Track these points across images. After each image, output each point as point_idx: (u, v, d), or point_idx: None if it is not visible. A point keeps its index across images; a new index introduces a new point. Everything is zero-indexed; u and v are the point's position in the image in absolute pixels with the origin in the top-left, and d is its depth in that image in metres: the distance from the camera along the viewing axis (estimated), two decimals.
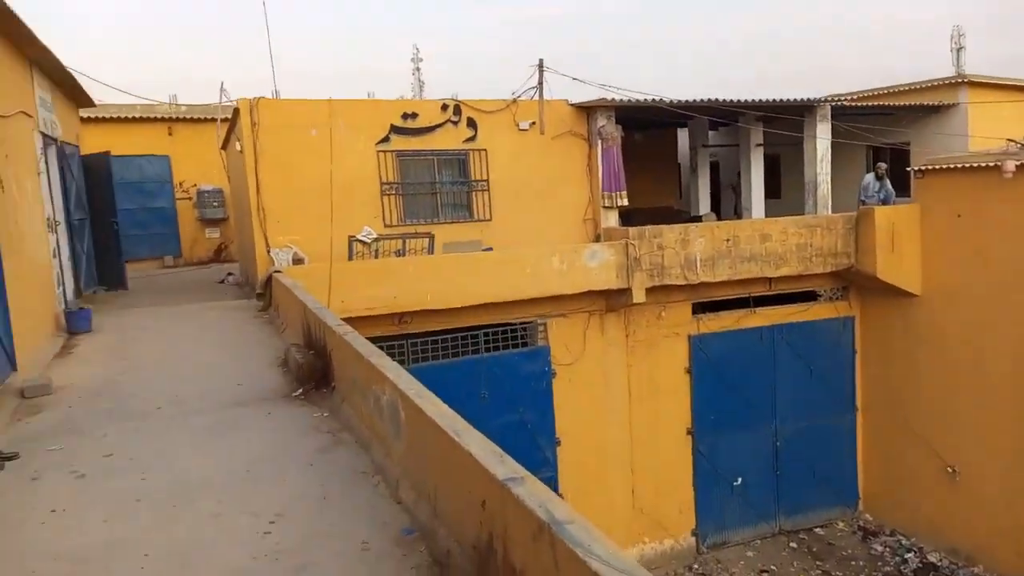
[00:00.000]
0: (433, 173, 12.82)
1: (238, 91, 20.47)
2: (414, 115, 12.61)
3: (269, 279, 10.61)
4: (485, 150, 12.97)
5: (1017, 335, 11.64)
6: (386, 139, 12.37)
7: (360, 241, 11.74)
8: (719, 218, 17.19)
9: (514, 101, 13.17)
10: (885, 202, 13.80)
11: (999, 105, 15.47)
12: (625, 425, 13.01)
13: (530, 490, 2.77)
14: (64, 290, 10.73)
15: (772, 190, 16.94)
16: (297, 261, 11.40)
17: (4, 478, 4.76)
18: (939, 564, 12.76)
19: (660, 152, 18.49)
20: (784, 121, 14.98)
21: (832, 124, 14.59)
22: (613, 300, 12.48)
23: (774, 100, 13.92)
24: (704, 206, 17.40)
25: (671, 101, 13.43)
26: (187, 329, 9.84)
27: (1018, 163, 11.36)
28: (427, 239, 12.17)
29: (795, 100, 14.13)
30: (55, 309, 9.79)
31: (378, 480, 4.43)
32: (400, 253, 11.92)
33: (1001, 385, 11.90)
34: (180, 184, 18.72)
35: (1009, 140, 12.81)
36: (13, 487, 4.62)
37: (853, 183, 15.38)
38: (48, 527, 4.04)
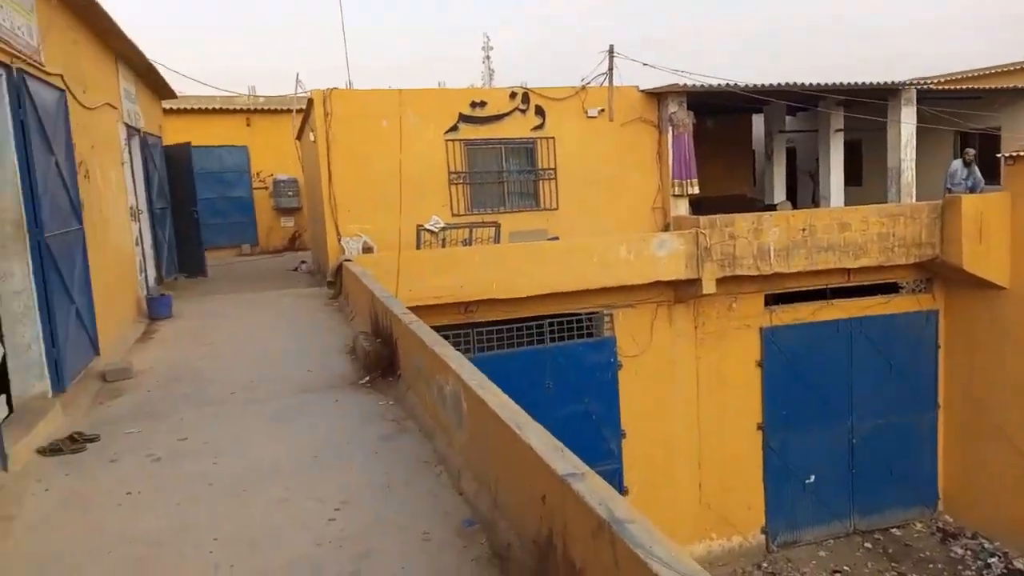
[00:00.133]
0: (500, 162, 12.81)
1: (314, 81, 20.90)
2: (483, 103, 12.61)
3: (339, 267, 10.82)
4: (553, 138, 12.87)
5: None
6: (454, 128, 12.42)
7: (428, 230, 11.83)
8: (795, 206, 16.64)
9: (583, 88, 13.02)
10: (973, 190, 13.08)
11: None
12: (693, 418, 12.78)
13: (590, 486, 2.72)
14: (146, 277, 11.18)
15: (852, 177, 16.29)
16: (367, 250, 11.59)
17: (85, 460, 4.99)
18: None
19: (734, 138, 17.99)
20: (866, 105, 14.35)
21: (917, 108, 13.92)
22: (682, 291, 12.24)
23: (856, 83, 13.36)
24: (779, 194, 16.88)
25: (746, 86, 13.05)
26: (261, 316, 10.12)
27: None
28: (493, 228, 12.18)
29: (878, 83, 13.53)
30: (137, 295, 10.20)
31: (440, 470, 4.45)
32: (467, 242, 11.97)
33: None
34: (257, 174, 19.26)
35: None
36: (93, 469, 4.83)
37: (939, 170, 14.64)
38: (124, 509, 4.20)
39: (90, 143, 8.07)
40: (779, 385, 12.92)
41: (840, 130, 15.13)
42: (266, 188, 19.30)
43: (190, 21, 63.29)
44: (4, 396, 5.21)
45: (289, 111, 17.35)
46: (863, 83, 13.37)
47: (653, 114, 13.33)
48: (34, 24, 6.21)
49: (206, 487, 4.47)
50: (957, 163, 13.51)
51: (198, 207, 14.23)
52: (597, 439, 11.87)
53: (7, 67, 5.42)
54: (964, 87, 15.39)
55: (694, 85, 12.78)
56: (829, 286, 12.97)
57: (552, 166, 12.92)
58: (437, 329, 5.88)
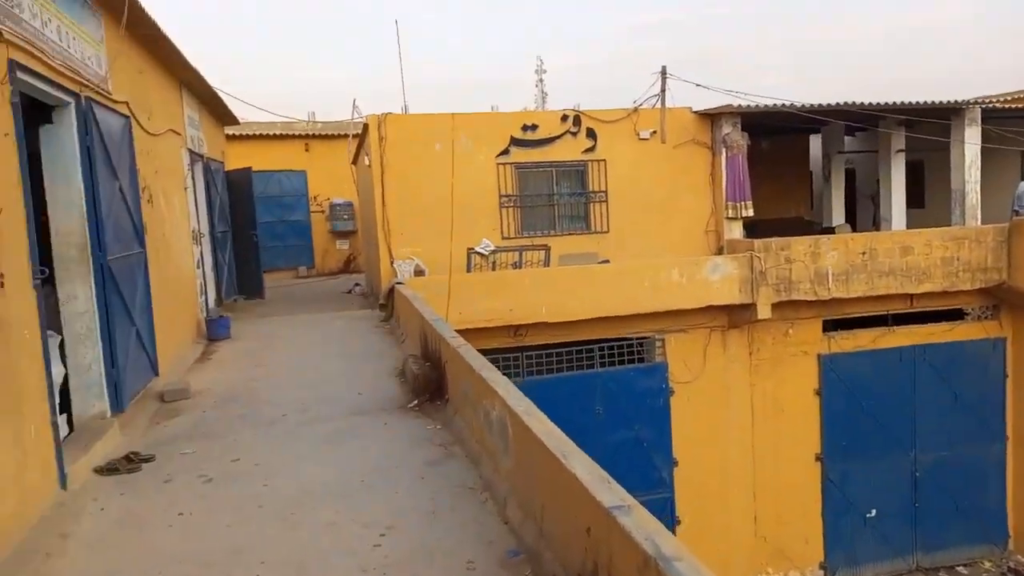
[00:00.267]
0: (551, 184, 12.83)
1: (371, 106, 21.36)
2: (534, 127, 12.67)
3: (391, 290, 10.94)
4: (604, 160, 12.84)
5: None
6: (506, 151, 12.49)
7: (478, 253, 11.88)
8: (854, 229, 16.21)
9: (635, 110, 12.98)
10: None
11: None
12: (747, 447, 12.45)
13: (637, 520, 2.64)
14: (207, 299, 11.48)
15: (915, 199, 15.81)
16: (418, 273, 11.69)
17: (140, 480, 5.09)
18: None
19: (790, 159, 17.67)
20: (928, 125, 13.95)
21: (982, 128, 13.45)
22: (736, 315, 12.00)
23: (918, 102, 13.00)
24: (838, 216, 16.47)
25: (802, 105, 12.82)
26: (315, 337, 10.28)
27: None
28: (543, 251, 12.17)
29: (941, 102, 13.13)
30: (198, 317, 10.48)
31: (486, 497, 4.41)
32: (517, 265, 11.98)
33: None
34: (315, 198, 19.69)
35: None
36: (147, 489, 4.93)
37: (1005, 192, 14.09)
38: (175, 530, 4.27)
39: (154, 168, 8.36)
40: (838, 414, 12.51)
41: (902, 150, 14.73)
42: (323, 212, 19.69)
43: (253, 49, 65.46)
44: (65, 416, 5.38)
45: (346, 136, 17.73)
46: (925, 102, 13.00)
47: (706, 135, 13.19)
48: (103, 54, 6.48)
49: (256, 509, 4.52)
50: None
51: (257, 230, 14.61)
52: (648, 467, 11.65)
53: (76, 95, 5.66)
54: None
55: (748, 105, 12.61)
56: (890, 312, 12.55)
57: (603, 188, 12.87)
58: (487, 352, 5.88)
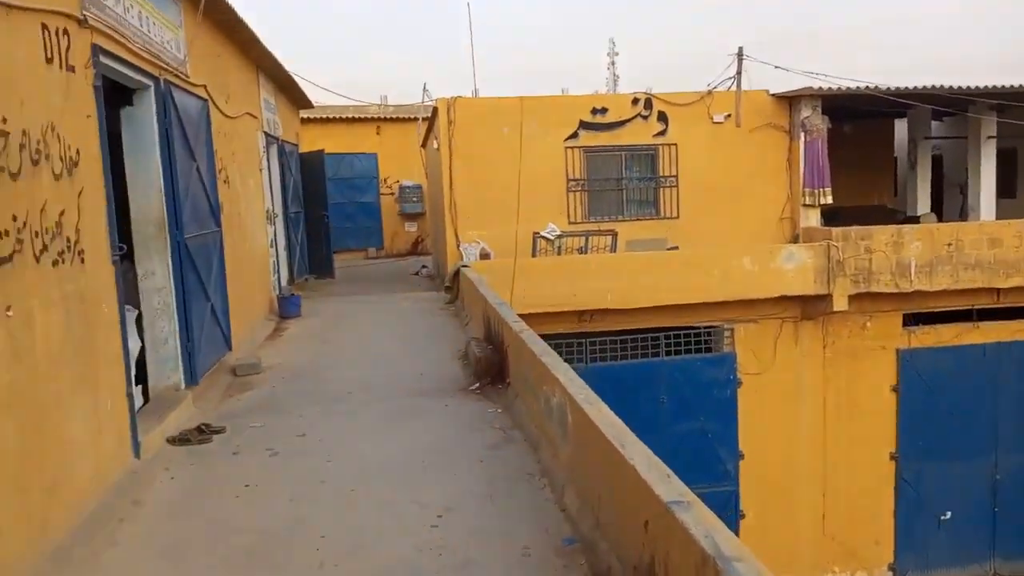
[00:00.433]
0: (620, 169, 12.65)
1: (442, 89, 21.49)
2: (603, 110, 12.50)
3: (457, 273, 11.00)
4: (675, 144, 12.58)
5: None
6: (574, 135, 12.37)
7: (544, 238, 11.82)
8: (940, 219, 15.45)
9: (709, 93, 12.66)
10: None
11: None
12: (818, 443, 12.08)
13: (696, 517, 2.57)
14: (279, 277, 11.78)
15: (1006, 189, 14.95)
16: (484, 256, 11.72)
17: (210, 451, 5.27)
18: None
19: (873, 145, 16.91)
20: (1022, 110, 13.14)
21: None
22: (810, 307, 11.62)
23: (1011, 86, 12.25)
24: (923, 205, 15.71)
25: (887, 88, 12.26)
26: (381, 318, 10.44)
27: None
28: (610, 236, 12.02)
29: None
30: (270, 295, 10.77)
31: (544, 483, 4.39)
32: (583, 250, 11.88)
33: None
34: (385, 180, 19.95)
35: None
36: (217, 460, 5.10)
37: None
38: (241, 501, 4.40)
39: (231, 150, 8.58)
40: (916, 412, 12.01)
41: (992, 137, 13.93)
42: (392, 194, 19.95)
43: (328, 33, 66.63)
44: (141, 387, 5.60)
45: (416, 119, 17.87)
46: (1018, 85, 12.24)
47: (784, 119, 12.76)
48: (181, 38, 6.66)
49: (318, 484, 4.62)
50: None
51: (329, 211, 14.89)
52: (713, 459, 11.44)
53: (155, 78, 5.84)
54: None
55: (830, 88, 12.14)
56: (976, 307, 11.94)
57: (674, 173, 12.62)
58: (550, 337, 5.85)
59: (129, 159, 5.84)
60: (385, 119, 19.93)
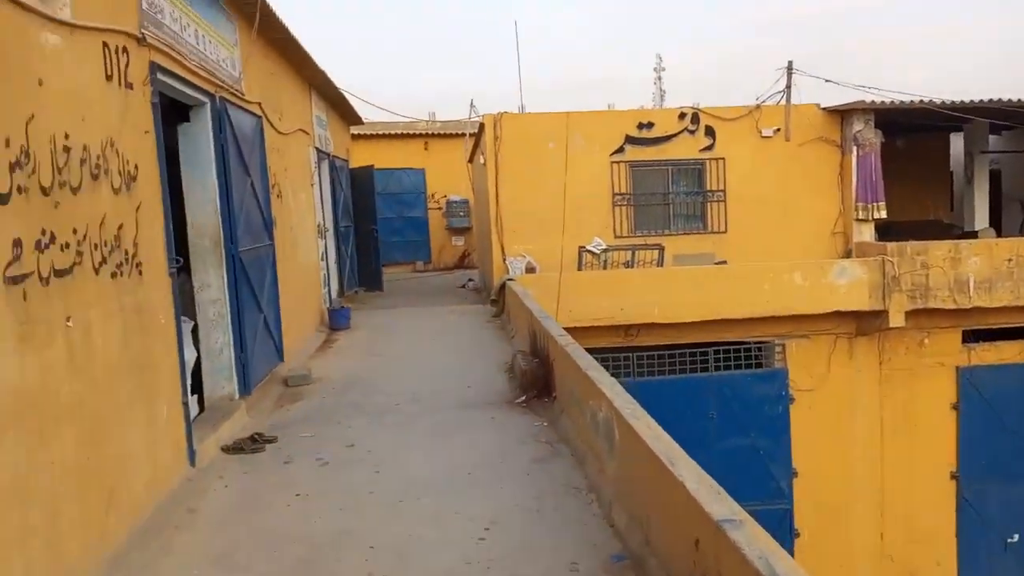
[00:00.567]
0: (667, 183, 12.57)
1: (489, 104, 21.67)
2: (650, 124, 12.45)
3: (503, 286, 11.03)
4: (723, 159, 12.45)
5: None
6: (620, 149, 12.34)
7: (590, 252, 11.78)
8: (999, 235, 14.94)
9: (757, 107, 12.51)
10: None
11: None
12: (875, 462, 11.73)
13: (749, 536, 2.51)
14: (329, 290, 11.97)
15: None
16: (530, 270, 11.73)
17: (262, 460, 5.35)
18: None
19: (928, 159, 16.46)
20: None
21: None
22: (865, 323, 11.33)
23: None
24: (981, 220, 15.20)
25: (942, 102, 11.94)
26: (429, 330, 10.51)
27: None
28: (657, 251, 11.93)
29: None
30: (321, 307, 10.94)
31: (591, 498, 4.34)
32: (629, 264, 11.80)
33: None
34: (432, 195, 20.17)
35: None
36: (268, 469, 5.18)
37: None
38: (292, 510, 4.45)
39: (283, 165, 8.77)
40: (978, 431, 11.58)
41: None
42: (440, 208, 20.14)
43: (378, 51, 67.80)
44: (196, 396, 5.72)
45: (463, 135, 18.04)
46: None
47: (835, 133, 12.53)
48: (236, 56, 6.85)
49: (367, 495, 4.65)
50: None
51: (378, 226, 15.11)
52: (765, 476, 11.18)
53: (211, 95, 6.01)
54: None
55: (883, 102, 11.88)
56: None
57: (721, 187, 12.48)
58: (596, 351, 5.81)
59: (186, 174, 6.01)
60: (433, 135, 20.18)
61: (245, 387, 6.38)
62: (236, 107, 6.65)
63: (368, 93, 24.45)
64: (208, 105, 5.99)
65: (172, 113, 5.77)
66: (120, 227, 4.12)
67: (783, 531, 10.85)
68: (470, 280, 16.10)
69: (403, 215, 19.88)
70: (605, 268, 11.72)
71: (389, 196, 19.14)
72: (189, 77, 5.49)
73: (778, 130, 12.46)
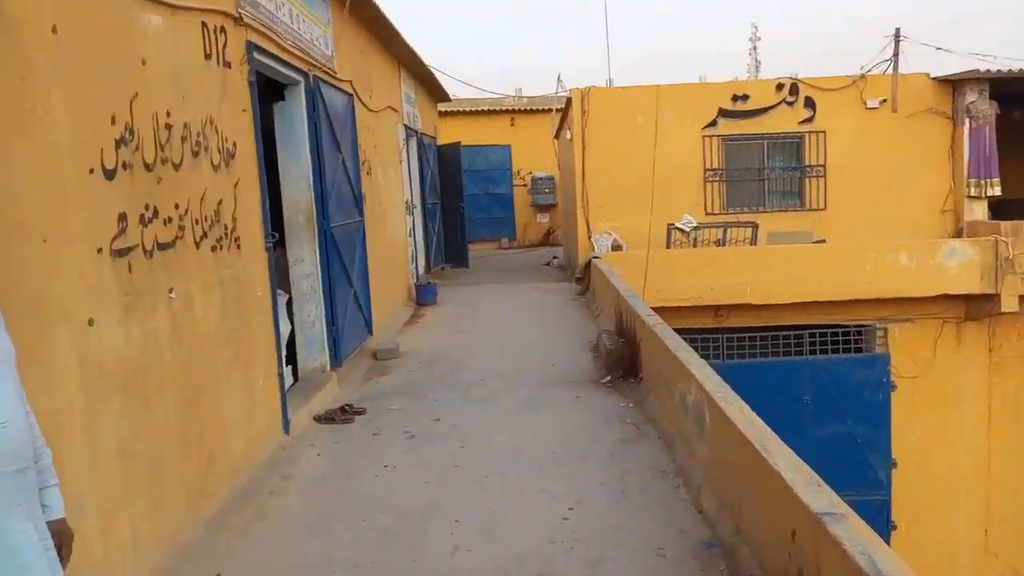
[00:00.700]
0: (762, 158, 12.10)
1: (576, 79, 21.42)
2: (745, 97, 11.98)
3: (588, 264, 10.91)
4: (823, 132, 11.87)
5: None
6: (713, 123, 11.94)
7: (679, 229, 11.49)
8: None
9: (862, 77, 11.85)
10: None
11: None
12: (981, 453, 11.08)
13: (851, 530, 2.38)
14: (416, 266, 12.14)
15: None
16: (616, 247, 11.56)
17: (352, 430, 5.49)
18: None
19: None
20: None
21: None
22: (975, 307, 10.65)
23: None
24: None
25: None
26: (513, 307, 10.54)
27: None
28: (751, 229, 11.52)
29: None
30: (408, 282, 11.12)
31: (679, 483, 4.24)
32: (720, 243, 11.45)
33: None
34: (518, 172, 20.13)
35: None
36: (358, 440, 5.30)
37: None
38: (380, 481, 4.54)
39: (373, 143, 8.89)
40: None
41: None
42: (525, 185, 20.09)
43: (465, 27, 67.93)
44: (291, 367, 5.90)
45: (550, 110, 17.88)
46: None
47: (946, 104, 11.74)
48: (329, 35, 6.95)
49: (452, 469, 4.69)
50: None
51: (464, 202, 15.20)
52: (862, 466, 10.72)
53: (305, 74, 6.11)
54: None
55: (999, 71, 11.04)
56: None
57: (821, 162, 11.91)
58: (684, 332, 5.67)
59: (281, 152, 6.16)
60: (519, 111, 20.09)
61: (336, 359, 6.54)
62: (329, 85, 6.75)
63: (454, 70, 24.55)
64: (302, 83, 6.10)
65: (268, 91, 5.91)
66: (220, 203, 4.25)
67: (880, 523, 10.41)
68: (555, 258, 16.03)
69: (489, 192, 19.92)
70: (695, 246, 11.42)
71: (475, 173, 19.21)
72: (284, 56, 5.60)
73: (884, 101, 11.78)
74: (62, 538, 1.83)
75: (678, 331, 5.53)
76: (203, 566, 3.48)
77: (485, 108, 19.82)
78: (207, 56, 4.25)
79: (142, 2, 3.51)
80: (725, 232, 11.49)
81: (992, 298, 10.31)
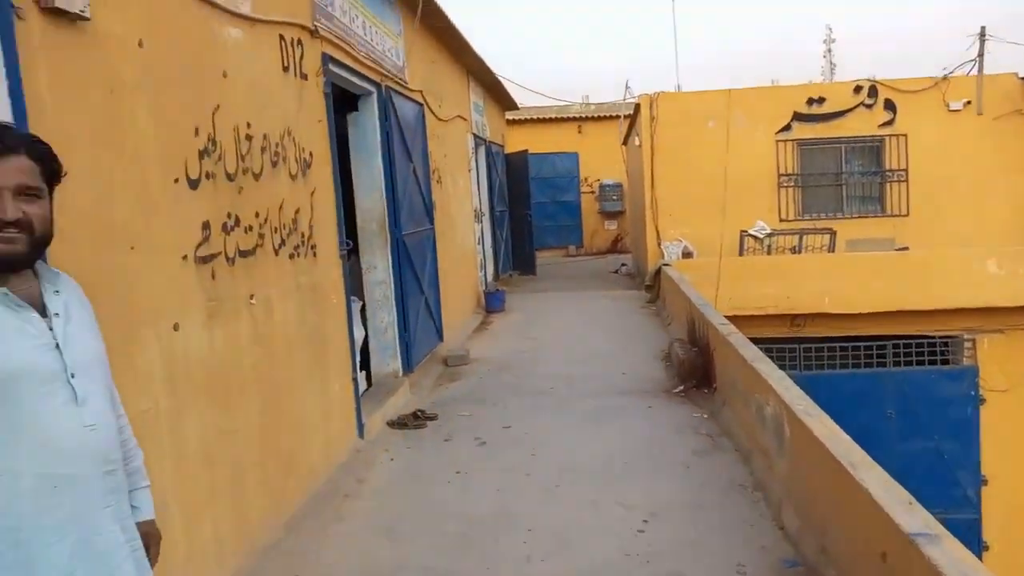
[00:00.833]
0: (839, 162, 11.73)
1: (644, 85, 21.25)
2: (821, 100, 11.65)
3: (658, 271, 10.75)
4: (904, 135, 11.43)
5: None
6: (787, 127, 11.64)
7: (752, 236, 11.22)
8: None
9: (944, 78, 11.37)
10: None
11: None
12: None
13: (948, 553, 2.25)
14: (485, 273, 12.20)
15: None
16: (686, 255, 11.36)
17: (424, 436, 5.52)
18: None
19: None
20: None
21: None
22: None
23: None
24: None
25: None
26: (581, 314, 10.46)
27: None
28: (828, 235, 11.16)
29: None
30: (477, 290, 11.17)
31: (758, 497, 4.10)
32: (796, 250, 11.13)
33: None
34: (585, 179, 20.05)
35: None
36: (430, 445, 5.32)
37: None
38: (452, 487, 4.54)
39: (443, 152, 8.98)
40: None
41: None
42: (592, 192, 19.98)
43: (533, 36, 68.24)
44: (364, 372, 5.99)
45: (617, 117, 17.75)
46: None
47: None
48: (400, 46, 7.05)
49: (524, 477, 4.66)
50: None
51: (532, 210, 15.21)
52: (950, 483, 10.20)
53: (377, 85, 6.21)
54: None
55: None
56: None
57: (903, 167, 11.47)
58: (758, 341, 5.50)
59: (354, 161, 6.27)
60: (586, 118, 20.03)
61: (408, 365, 6.60)
62: (400, 95, 6.85)
63: (521, 78, 24.67)
64: (375, 94, 6.20)
65: (342, 102, 6.02)
66: (297, 211, 4.34)
67: (970, 543, 9.81)
68: (623, 265, 15.87)
69: (556, 199, 19.89)
70: (769, 253, 11.13)
71: (542, 180, 19.21)
72: (358, 67, 5.70)
73: (968, 103, 11.28)
74: (150, 539, 1.86)
75: (752, 340, 5.38)
76: (283, 567, 3.53)
77: (552, 116, 19.83)
78: (285, 68, 4.35)
79: (223, 16, 3.61)
80: (801, 239, 11.16)
81: None
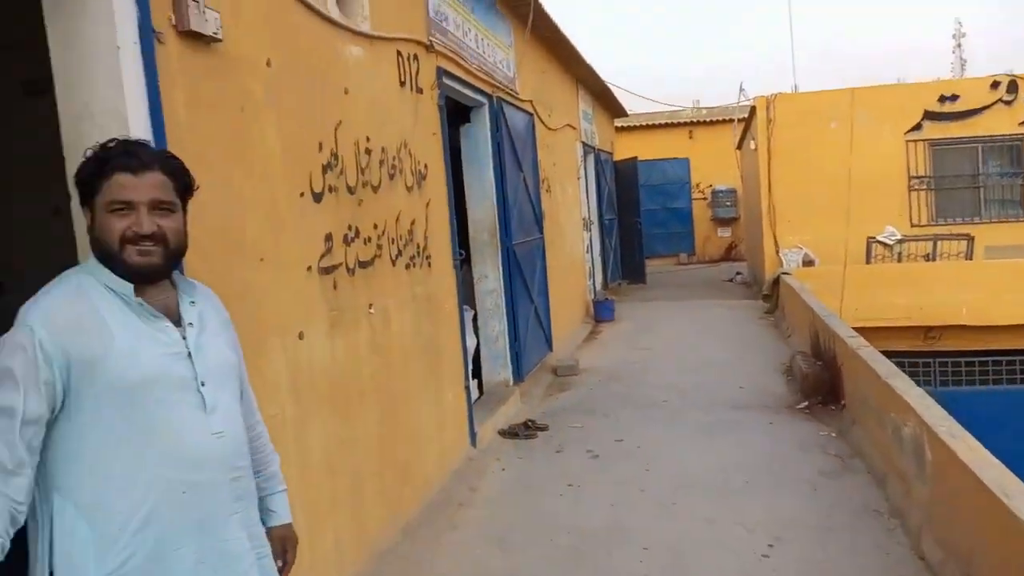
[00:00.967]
0: (976, 163, 10.96)
1: (758, 88, 20.59)
2: (954, 97, 10.91)
3: (776, 280, 10.33)
4: None
5: None
6: (917, 127, 10.96)
7: (881, 243, 10.60)
8: None
9: None
10: None
11: None
12: None
13: None
14: (593, 282, 12.09)
15: None
16: (807, 263, 10.86)
17: (535, 446, 5.48)
18: None
19: None
20: None
21: None
22: None
23: None
24: None
25: None
26: (694, 324, 10.17)
27: None
28: (965, 241, 10.39)
29: None
30: (586, 299, 11.09)
31: (894, 524, 3.82)
32: (929, 257, 10.42)
33: None
34: (697, 185, 19.57)
35: None
36: (541, 456, 5.28)
37: None
38: (564, 500, 4.48)
39: (552, 161, 8.97)
40: None
41: None
42: (704, 198, 19.49)
43: (642, 41, 67.51)
44: (477, 381, 6.02)
45: (730, 121, 17.25)
46: None
47: None
48: (511, 57, 7.09)
49: (638, 492, 4.54)
50: None
51: (641, 218, 14.98)
52: None
53: (489, 96, 6.26)
54: None
55: None
56: None
57: None
58: (888, 354, 5.15)
59: (466, 172, 6.34)
60: (697, 123, 19.59)
61: (518, 374, 6.60)
62: (511, 106, 6.88)
63: (629, 84, 24.41)
64: (486, 105, 6.25)
65: (455, 114, 6.11)
66: (412, 222, 4.42)
67: None
68: (738, 273, 15.36)
69: (666, 206, 19.50)
70: (900, 261, 10.48)
71: (652, 187, 18.88)
72: (470, 80, 5.76)
73: None
74: (287, 543, 1.89)
75: (882, 353, 5.05)
76: (398, 574, 3.58)
77: (662, 122, 19.51)
78: (401, 83, 4.44)
79: (344, 35, 3.72)
80: (935, 245, 10.45)
81: None
